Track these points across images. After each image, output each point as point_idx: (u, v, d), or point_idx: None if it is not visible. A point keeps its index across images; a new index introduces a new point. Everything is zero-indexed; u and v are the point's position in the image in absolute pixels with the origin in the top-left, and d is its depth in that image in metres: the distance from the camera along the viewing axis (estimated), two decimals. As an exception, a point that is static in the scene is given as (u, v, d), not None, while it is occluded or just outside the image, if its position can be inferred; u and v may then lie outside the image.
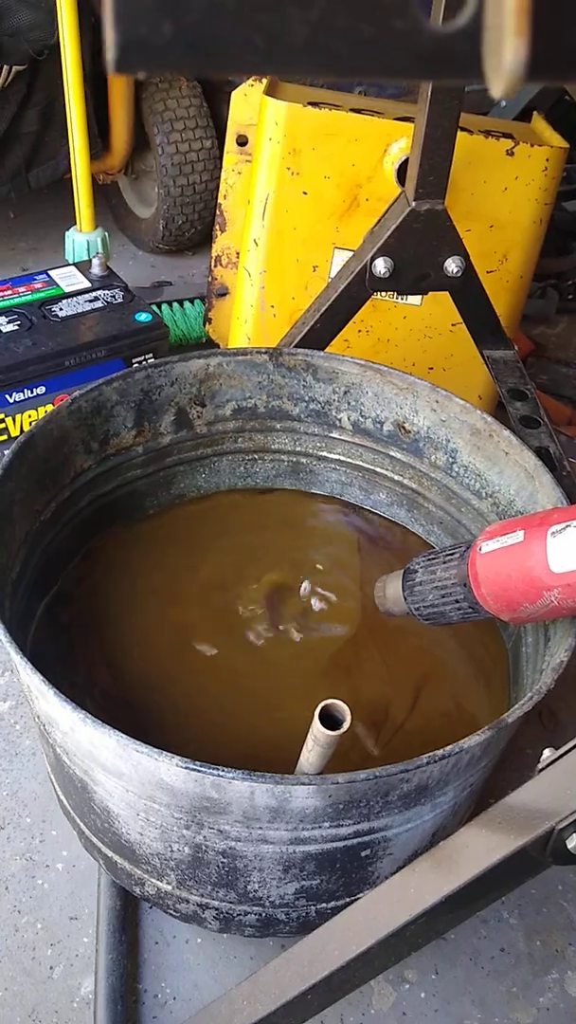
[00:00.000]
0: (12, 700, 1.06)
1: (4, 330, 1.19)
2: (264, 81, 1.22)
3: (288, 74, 0.18)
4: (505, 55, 0.16)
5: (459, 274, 0.96)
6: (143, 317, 1.25)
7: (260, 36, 0.17)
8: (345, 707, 0.54)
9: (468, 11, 0.17)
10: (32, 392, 1.18)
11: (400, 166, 1.11)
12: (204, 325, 1.54)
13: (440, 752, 0.64)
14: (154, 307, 1.55)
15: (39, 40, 1.40)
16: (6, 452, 0.81)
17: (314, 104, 1.13)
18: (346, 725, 0.54)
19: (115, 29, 0.17)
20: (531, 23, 0.16)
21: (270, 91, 1.16)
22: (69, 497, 0.93)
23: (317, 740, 0.55)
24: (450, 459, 0.97)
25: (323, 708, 0.55)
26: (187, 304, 1.59)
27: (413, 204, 0.93)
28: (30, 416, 1.20)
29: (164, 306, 1.58)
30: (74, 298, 1.26)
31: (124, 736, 0.62)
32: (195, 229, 1.73)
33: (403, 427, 0.99)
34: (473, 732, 0.65)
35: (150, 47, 0.17)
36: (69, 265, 1.34)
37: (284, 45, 0.17)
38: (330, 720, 0.56)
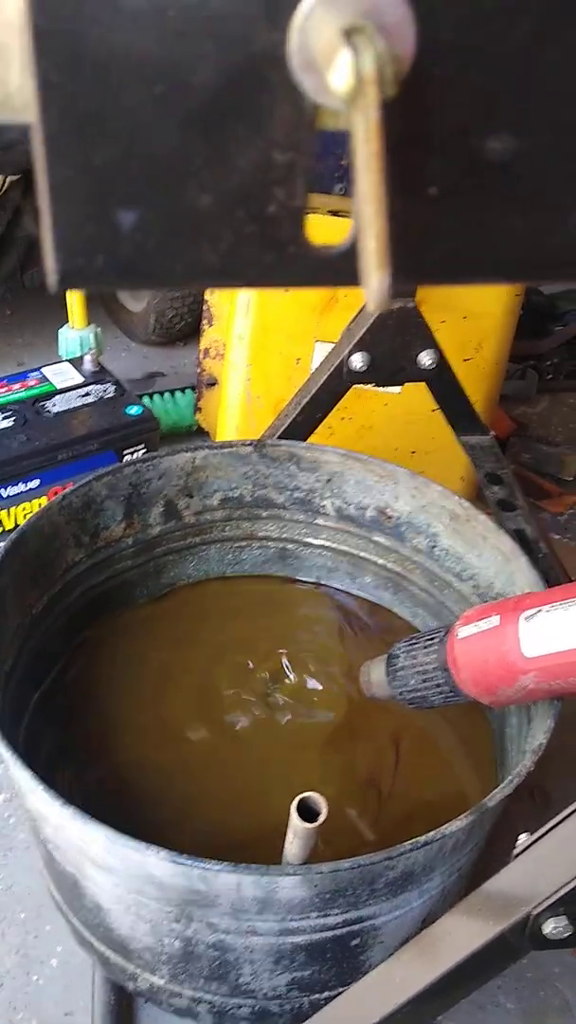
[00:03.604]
0: (7, 792, 1.07)
1: (-1, 427, 1.23)
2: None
3: (205, 288, 0.22)
4: (371, 283, 0.19)
5: (433, 366, 1.00)
6: (134, 410, 1.29)
7: (179, 265, 0.20)
8: (321, 799, 0.56)
9: (346, 241, 0.20)
10: (26, 486, 1.21)
11: (375, 263, 1.16)
12: (195, 414, 1.58)
13: (423, 838, 0.65)
14: (147, 397, 1.60)
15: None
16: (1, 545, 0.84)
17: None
18: (322, 818, 0.55)
19: (55, 259, 0.20)
20: (390, 260, 0.19)
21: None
22: (61, 589, 0.95)
23: (297, 832, 0.57)
24: (431, 543, 1.00)
25: (300, 801, 0.56)
26: (178, 394, 1.64)
27: (386, 302, 0.98)
28: (25, 509, 1.24)
29: (156, 396, 1.63)
30: (66, 393, 1.31)
31: (111, 831, 0.63)
32: (185, 322, 1.79)
33: (385, 513, 1.02)
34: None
35: (86, 274, 0.20)
36: (62, 361, 1.39)
37: (200, 270, 0.20)
38: (309, 812, 0.57)
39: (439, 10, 0.20)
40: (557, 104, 0.21)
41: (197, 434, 1.60)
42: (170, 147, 0.20)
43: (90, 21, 0.19)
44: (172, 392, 1.64)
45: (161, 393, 1.64)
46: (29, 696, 0.91)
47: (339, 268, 0.21)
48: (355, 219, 0.19)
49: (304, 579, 1.11)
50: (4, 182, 1.50)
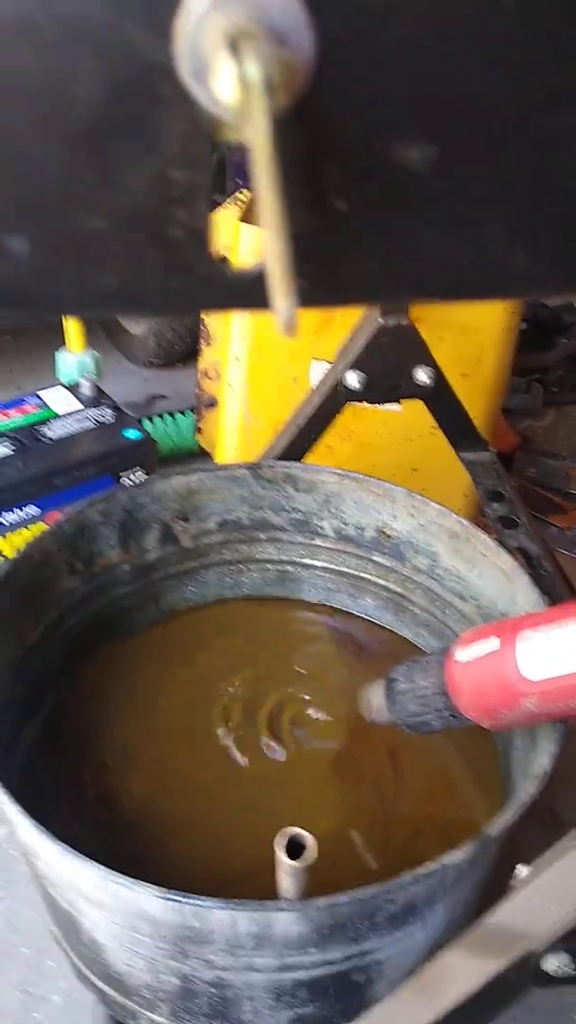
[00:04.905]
0: (8, 824, 1.05)
1: (-4, 454, 1.22)
2: (239, 206, 1.28)
3: (99, 317, 0.20)
4: (277, 309, 0.18)
5: (429, 383, 0.99)
6: (132, 434, 1.28)
7: (76, 292, 0.19)
8: (308, 836, 0.54)
9: (258, 264, 0.19)
10: (25, 513, 1.21)
11: (370, 280, 1.15)
12: (195, 435, 1.57)
13: (422, 870, 0.63)
14: (148, 420, 1.59)
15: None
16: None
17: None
18: (309, 854, 0.54)
19: None
20: (295, 285, 0.17)
21: (245, 217, 1.22)
22: (57, 618, 0.94)
23: (285, 871, 0.55)
24: (432, 562, 0.98)
25: (289, 838, 0.55)
26: (179, 416, 1.63)
27: (381, 320, 0.97)
28: (24, 536, 1.23)
29: (157, 419, 1.62)
30: (64, 419, 1.30)
31: (102, 867, 0.62)
32: (185, 343, 1.78)
33: (384, 532, 1.00)
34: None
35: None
36: (60, 386, 1.39)
37: (100, 298, 0.19)
38: (297, 848, 0.55)
39: (334, 13, 0.19)
40: (472, 109, 0.20)
41: (199, 456, 1.59)
42: (55, 169, 0.19)
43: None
44: (173, 414, 1.64)
45: (162, 416, 1.64)
46: (25, 727, 0.90)
47: (251, 292, 0.19)
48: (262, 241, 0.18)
49: (304, 601, 1.09)
50: None
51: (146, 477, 1.29)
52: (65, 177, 0.19)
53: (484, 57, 0.19)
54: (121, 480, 1.27)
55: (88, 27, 0.18)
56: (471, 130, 0.20)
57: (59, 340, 1.59)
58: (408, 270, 0.21)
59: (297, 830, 0.55)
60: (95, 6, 0.18)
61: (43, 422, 1.29)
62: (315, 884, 0.63)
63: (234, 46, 0.18)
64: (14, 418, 1.30)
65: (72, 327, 1.52)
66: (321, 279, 0.19)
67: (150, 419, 1.61)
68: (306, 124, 0.19)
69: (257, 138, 0.18)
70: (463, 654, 0.73)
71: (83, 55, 0.19)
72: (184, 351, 1.81)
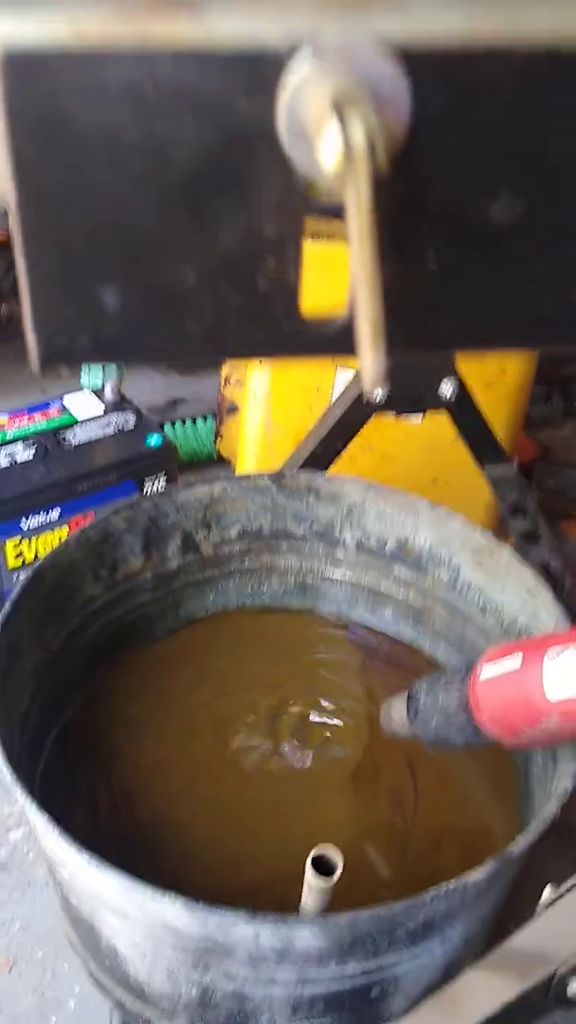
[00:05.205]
0: (25, 827, 1.06)
1: (19, 458, 1.23)
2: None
3: (192, 362, 0.21)
4: (365, 364, 0.18)
5: (454, 395, 0.99)
6: (154, 440, 1.29)
7: (164, 342, 0.19)
8: (337, 854, 0.54)
9: (343, 315, 0.19)
10: (47, 517, 1.21)
11: (395, 292, 1.15)
12: (215, 442, 1.58)
13: (444, 888, 0.63)
14: (168, 424, 1.59)
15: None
16: (21, 577, 0.83)
17: (315, 235, 1.18)
18: (338, 873, 0.54)
19: (36, 341, 0.19)
20: (385, 342, 0.18)
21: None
22: (80, 625, 0.94)
23: (312, 887, 0.55)
24: (453, 576, 0.98)
25: (316, 855, 0.55)
26: (199, 421, 1.64)
27: (406, 332, 0.97)
28: (47, 539, 1.23)
29: (177, 423, 1.63)
30: (87, 424, 1.30)
31: (127, 878, 0.62)
32: (206, 348, 1.79)
33: (405, 545, 1.00)
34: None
35: (69, 354, 0.19)
36: (83, 391, 1.39)
37: (185, 345, 0.19)
38: (324, 865, 0.56)
39: (431, 80, 0.19)
40: (557, 168, 0.20)
41: (218, 462, 1.60)
42: (151, 224, 0.19)
43: (65, 97, 0.19)
44: (193, 419, 1.64)
45: (183, 420, 1.64)
46: (47, 734, 0.90)
47: (336, 342, 0.20)
48: (351, 294, 0.19)
49: (324, 612, 1.09)
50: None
51: (168, 483, 1.29)
52: (160, 233, 0.20)
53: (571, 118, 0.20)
54: (144, 486, 1.27)
55: (193, 94, 0.19)
56: (561, 187, 0.20)
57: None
58: (493, 323, 0.21)
59: (327, 849, 0.55)
60: (202, 75, 0.19)
61: (66, 427, 1.29)
62: (333, 894, 0.63)
63: (340, 111, 0.18)
64: (37, 422, 1.30)
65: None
66: (408, 334, 0.19)
67: (171, 423, 1.61)
68: (401, 184, 0.19)
69: (356, 200, 0.18)
70: (487, 671, 0.73)
71: (186, 120, 0.19)
72: (205, 356, 1.82)
